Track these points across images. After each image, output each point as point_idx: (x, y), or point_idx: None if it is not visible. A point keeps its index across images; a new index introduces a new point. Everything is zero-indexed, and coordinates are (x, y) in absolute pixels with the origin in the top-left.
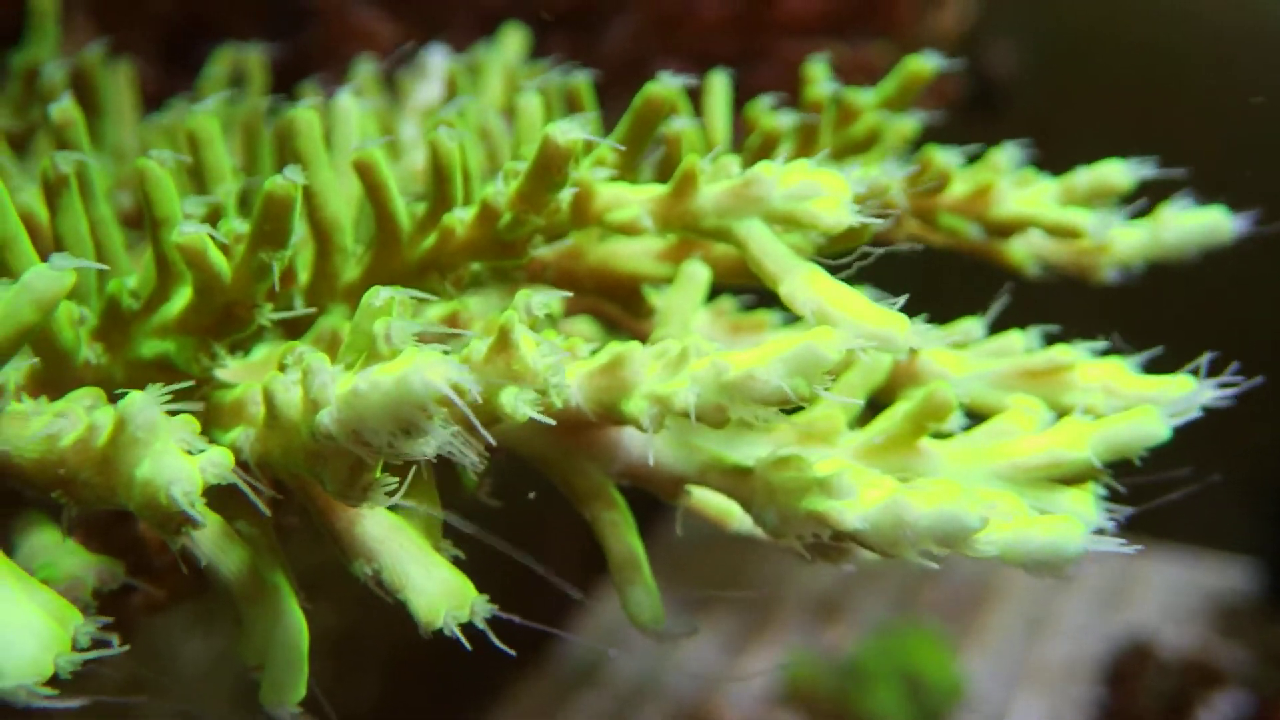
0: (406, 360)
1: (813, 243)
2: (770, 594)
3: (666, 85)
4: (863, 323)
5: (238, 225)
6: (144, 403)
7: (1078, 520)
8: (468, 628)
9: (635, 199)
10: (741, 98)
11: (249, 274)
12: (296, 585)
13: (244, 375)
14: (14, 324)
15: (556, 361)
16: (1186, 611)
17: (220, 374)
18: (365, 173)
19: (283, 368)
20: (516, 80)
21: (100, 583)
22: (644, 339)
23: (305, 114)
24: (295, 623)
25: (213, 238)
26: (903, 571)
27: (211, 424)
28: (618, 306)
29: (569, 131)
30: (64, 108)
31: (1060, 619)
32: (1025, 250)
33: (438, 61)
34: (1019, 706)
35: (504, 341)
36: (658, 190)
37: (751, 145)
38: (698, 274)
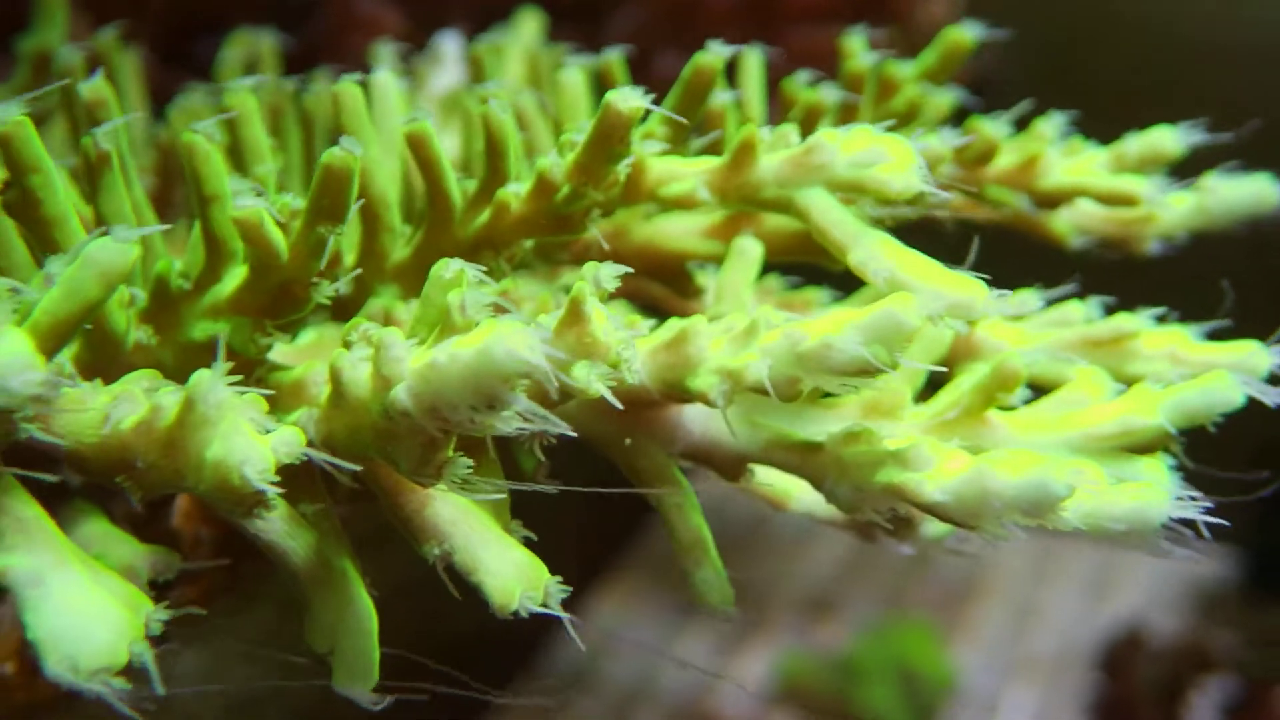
0: (487, 331)
1: (866, 215)
2: (761, 594)
3: (716, 54)
4: (940, 288)
5: (292, 200)
6: (212, 382)
7: (1161, 487)
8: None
9: (690, 171)
10: None
11: (306, 250)
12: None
13: (295, 359)
14: (79, 300)
15: (627, 335)
16: (1172, 600)
17: (271, 358)
18: (418, 147)
19: (347, 345)
20: (537, 63)
21: (155, 573)
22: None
23: (349, 88)
24: (364, 607)
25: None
26: (891, 568)
27: (271, 406)
28: (663, 286)
29: (630, 99)
30: (95, 85)
31: (1047, 611)
32: (1068, 222)
33: (452, 47)
34: (1010, 697)
35: (575, 314)
36: (714, 162)
37: (794, 120)
38: (750, 249)
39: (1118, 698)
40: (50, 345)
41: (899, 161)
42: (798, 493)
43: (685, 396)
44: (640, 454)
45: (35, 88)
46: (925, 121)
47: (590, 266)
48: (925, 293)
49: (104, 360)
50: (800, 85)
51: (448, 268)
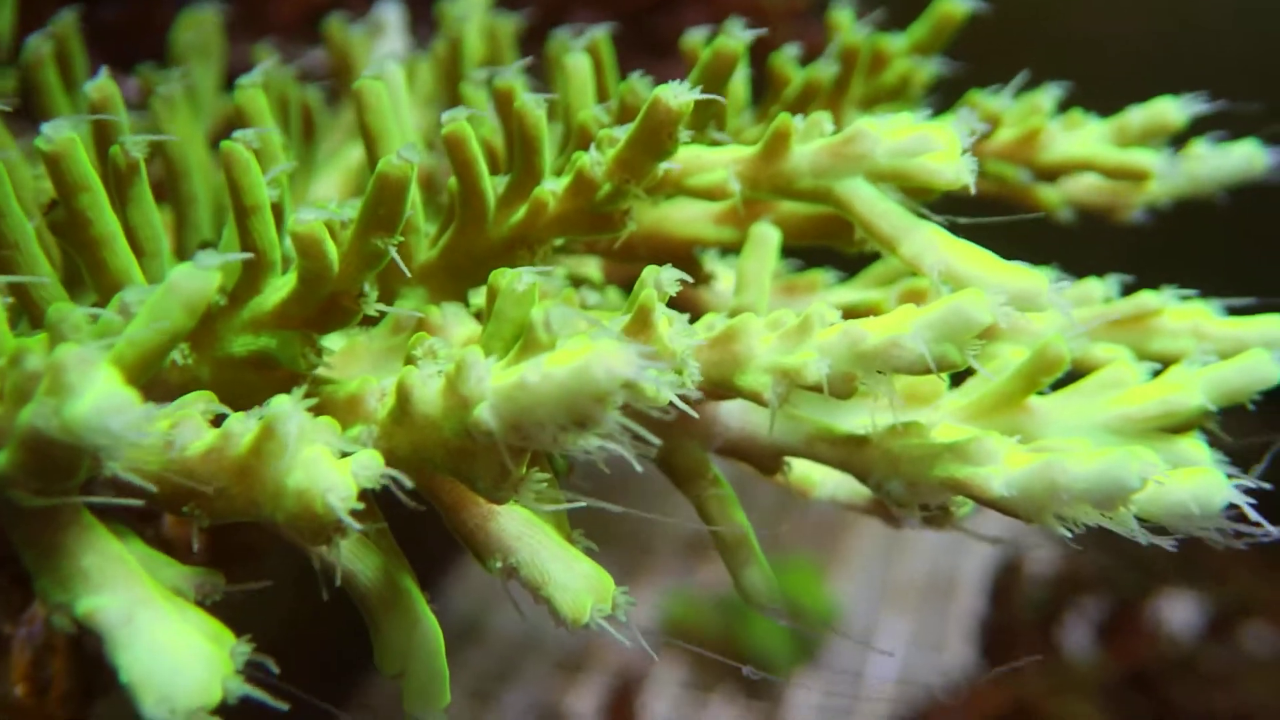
0: (583, 349)
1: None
2: (643, 537)
3: (737, 38)
4: (1000, 281)
5: (341, 211)
6: (291, 408)
7: (1216, 471)
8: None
9: (719, 161)
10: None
11: (359, 262)
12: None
13: (328, 369)
14: (164, 331)
15: (690, 342)
16: (1037, 527)
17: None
18: (456, 147)
19: (411, 360)
20: (496, 34)
21: (202, 595)
22: (698, 306)
23: (373, 85)
24: (431, 626)
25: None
26: (765, 505)
27: None
28: None
29: (681, 94)
30: (101, 84)
31: (916, 540)
32: (1057, 193)
33: (393, 16)
34: (886, 624)
35: (643, 321)
36: (745, 151)
37: (789, 98)
38: (769, 236)
39: (999, 623)
40: (137, 379)
41: (947, 150)
42: (820, 479)
43: (734, 394)
44: (677, 452)
45: None
46: (911, 93)
47: (651, 271)
48: (987, 285)
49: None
50: (790, 60)
51: (520, 280)
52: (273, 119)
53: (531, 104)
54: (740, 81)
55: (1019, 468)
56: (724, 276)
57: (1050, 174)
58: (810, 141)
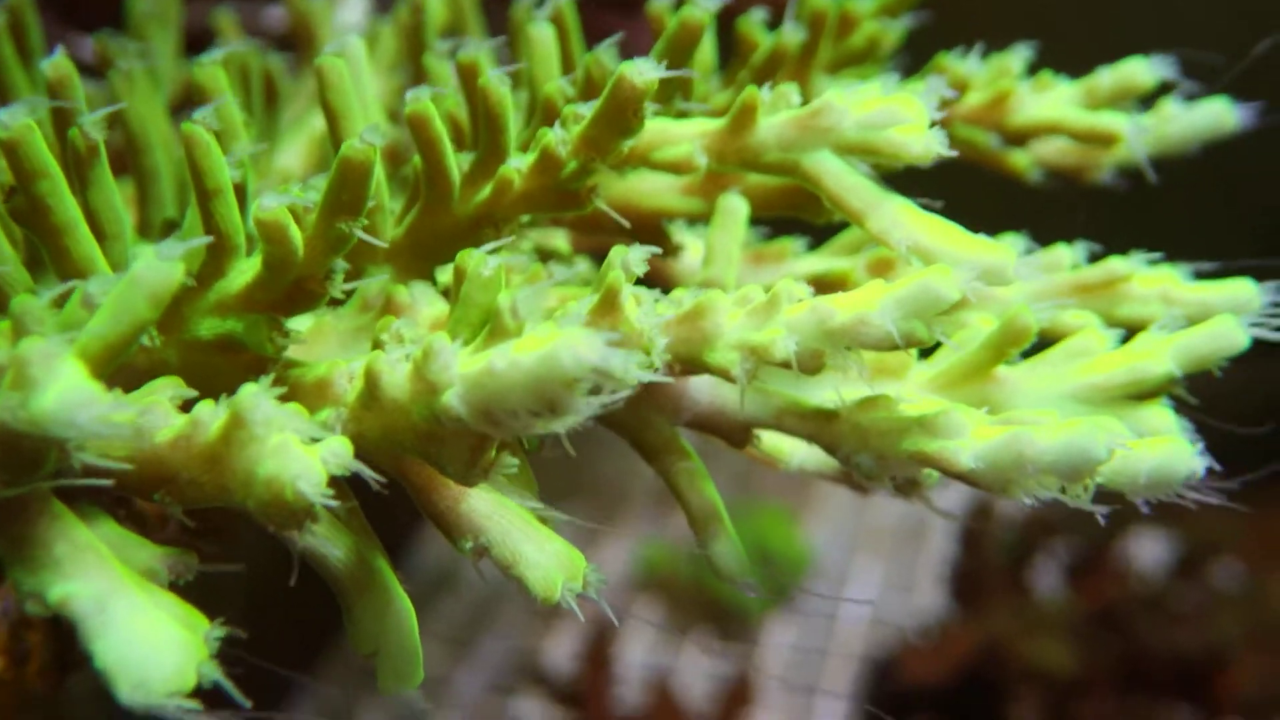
0: (549, 336)
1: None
2: (615, 487)
3: (703, 8)
4: (968, 255)
5: (305, 195)
6: (258, 397)
7: (1183, 439)
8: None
9: (685, 134)
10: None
11: (324, 246)
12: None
13: (296, 349)
14: (129, 322)
15: (658, 321)
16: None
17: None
18: (420, 127)
19: (379, 344)
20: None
21: (176, 575)
22: (666, 277)
23: (335, 62)
24: (404, 606)
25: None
26: (737, 454)
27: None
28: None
29: (646, 70)
30: (57, 62)
31: None
32: (1027, 155)
33: None
34: (859, 569)
35: (610, 303)
36: (711, 125)
37: (756, 63)
38: (737, 208)
39: (970, 565)
40: (101, 371)
41: (914, 123)
42: (789, 450)
43: (702, 370)
44: (645, 427)
45: None
46: (879, 56)
47: (618, 251)
48: (950, 261)
49: None
50: (757, 25)
51: (486, 265)
52: (234, 94)
53: (496, 82)
54: (707, 47)
55: (986, 440)
56: (692, 247)
57: (1019, 138)
58: (777, 114)
